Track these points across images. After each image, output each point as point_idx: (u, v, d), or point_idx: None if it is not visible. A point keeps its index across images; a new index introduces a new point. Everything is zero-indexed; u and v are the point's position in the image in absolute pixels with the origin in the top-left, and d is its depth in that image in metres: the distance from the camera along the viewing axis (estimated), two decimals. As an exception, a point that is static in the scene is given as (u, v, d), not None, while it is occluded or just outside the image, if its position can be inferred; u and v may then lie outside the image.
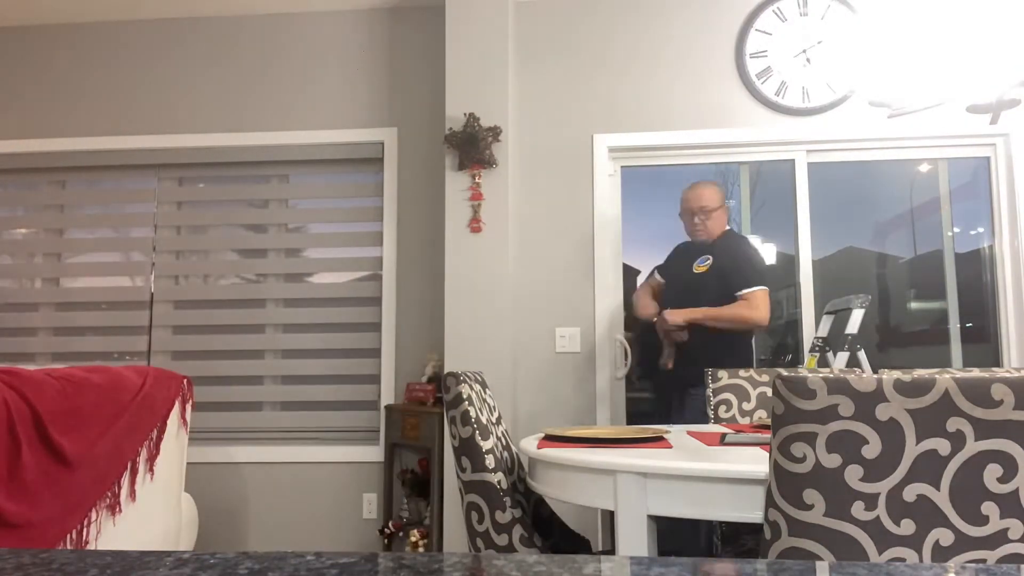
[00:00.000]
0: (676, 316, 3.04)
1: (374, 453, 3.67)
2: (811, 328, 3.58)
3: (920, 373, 1.12)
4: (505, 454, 2.09)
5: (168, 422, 2.63)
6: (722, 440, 1.81)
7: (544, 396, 3.57)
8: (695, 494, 1.41)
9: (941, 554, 1.06)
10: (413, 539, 3.29)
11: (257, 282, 3.88)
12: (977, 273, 3.64)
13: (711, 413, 2.74)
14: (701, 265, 3.14)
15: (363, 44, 3.90)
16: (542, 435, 2.05)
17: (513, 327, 3.42)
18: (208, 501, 3.71)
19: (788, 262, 3.70)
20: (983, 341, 3.60)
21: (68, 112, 3.99)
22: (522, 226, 3.65)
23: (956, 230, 3.67)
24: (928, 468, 1.07)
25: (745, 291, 3.00)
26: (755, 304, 2.98)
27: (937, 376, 1.07)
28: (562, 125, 3.69)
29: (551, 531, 2.20)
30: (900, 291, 3.82)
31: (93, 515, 1.87)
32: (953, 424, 1.06)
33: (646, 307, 3.23)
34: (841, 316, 3.23)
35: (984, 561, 1.07)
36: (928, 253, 3.72)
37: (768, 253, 3.81)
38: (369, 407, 3.76)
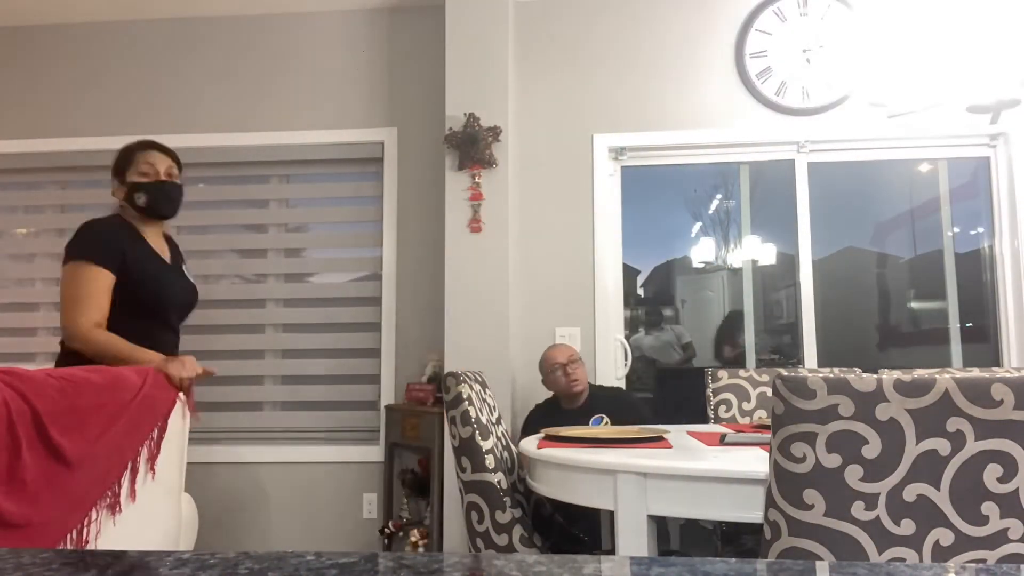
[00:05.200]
0: None
1: (374, 453, 3.67)
2: (811, 328, 3.57)
3: (920, 373, 1.12)
4: (505, 454, 2.09)
5: (169, 422, 2.63)
6: (722, 440, 1.81)
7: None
8: (695, 494, 1.41)
9: (941, 554, 1.06)
10: (413, 539, 3.29)
11: (257, 282, 3.88)
12: (977, 273, 3.64)
13: (711, 413, 2.74)
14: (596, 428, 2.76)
15: (363, 44, 3.90)
16: (542, 435, 2.04)
17: (513, 327, 3.42)
18: (208, 501, 3.71)
19: (788, 262, 3.70)
20: (983, 341, 3.60)
21: (68, 112, 3.99)
22: (522, 226, 3.65)
23: (956, 230, 3.67)
24: (928, 468, 1.07)
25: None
26: None
27: (937, 376, 1.07)
28: (562, 125, 3.69)
29: (551, 531, 2.20)
30: (900, 291, 3.82)
31: (93, 515, 1.87)
32: (953, 424, 1.06)
33: None
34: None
35: (984, 561, 1.07)
36: (928, 253, 3.72)
37: (768, 253, 3.81)
38: (369, 407, 3.76)
